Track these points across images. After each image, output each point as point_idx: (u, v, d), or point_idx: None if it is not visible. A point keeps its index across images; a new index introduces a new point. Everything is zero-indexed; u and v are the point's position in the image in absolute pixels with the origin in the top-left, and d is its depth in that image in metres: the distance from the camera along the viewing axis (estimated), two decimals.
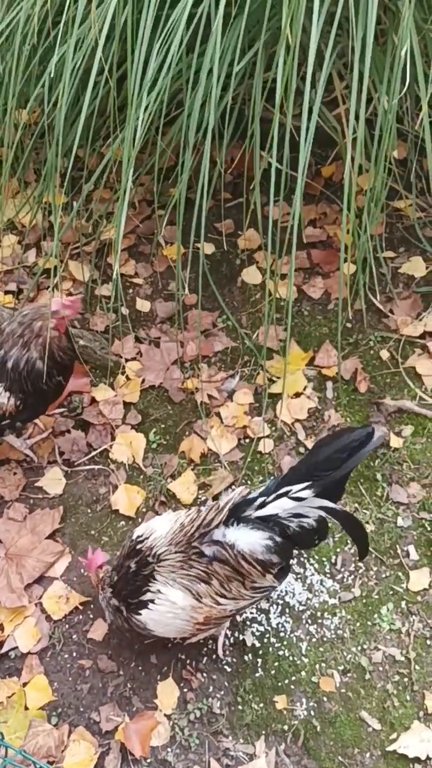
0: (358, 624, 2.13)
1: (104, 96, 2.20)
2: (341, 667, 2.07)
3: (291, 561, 1.90)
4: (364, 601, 2.16)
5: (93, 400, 2.52)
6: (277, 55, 1.86)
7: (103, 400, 2.51)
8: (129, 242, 2.87)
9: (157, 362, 2.59)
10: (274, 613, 2.14)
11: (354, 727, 1.99)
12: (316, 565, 2.22)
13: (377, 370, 2.55)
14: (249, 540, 1.76)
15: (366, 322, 2.62)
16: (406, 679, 2.05)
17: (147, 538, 1.85)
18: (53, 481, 2.38)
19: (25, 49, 2.22)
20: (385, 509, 2.29)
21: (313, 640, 2.11)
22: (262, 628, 2.12)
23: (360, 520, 1.87)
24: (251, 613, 2.13)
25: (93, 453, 2.43)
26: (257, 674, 2.06)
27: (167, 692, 2.03)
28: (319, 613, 2.14)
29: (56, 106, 2.16)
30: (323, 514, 1.74)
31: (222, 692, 2.04)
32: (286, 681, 2.05)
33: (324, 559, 2.23)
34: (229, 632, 2.10)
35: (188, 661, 2.08)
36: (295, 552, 2.23)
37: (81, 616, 2.15)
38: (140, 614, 1.83)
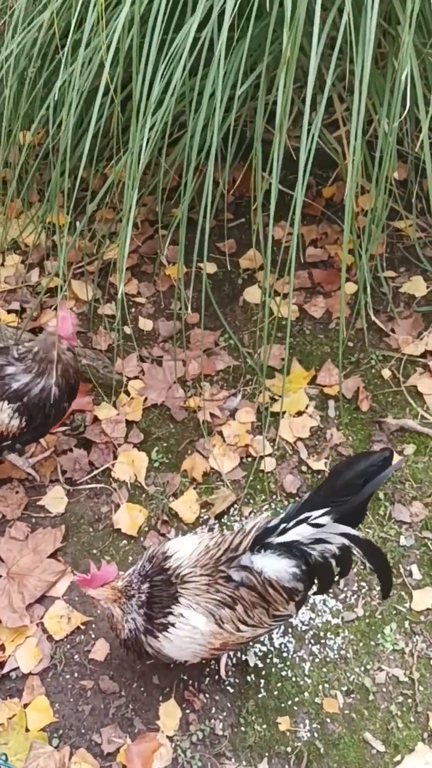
0: (361, 644, 2.11)
1: (108, 117, 2.23)
2: (344, 688, 2.05)
3: (309, 592, 1.86)
4: (367, 621, 2.15)
5: (95, 419, 2.52)
6: (278, 78, 1.89)
7: (105, 419, 2.51)
8: (132, 262, 2.89)
9: (160, 381, 2.60)
10: (277, 633, 2.13)
11: (358, 749, 1.97)
12: None
13: (379, 389, 2.56)
14: (276, 567, 1.75)
15: (367, 341, 2.64)
16: (410, 700, 2.03)
17: (170, 557, 1.82)
18: (55, 500, 2.38)
19: (31, 72, 2.26)
20: (388, 528, 2.29)
21: (316, 660, 2.09)
22: (264, 649, 2.11)
23: (383, 552, 1.82)
24: None
25: (95, 472, 2.43)
26: (260, 695, 2.05)
27: (169, 713, 2.01)
28: (322, 633, 2.13)
29: (60, 127, 2.19)
30: (346, 541, 1.71)
31: (224, 713, 2.02)
32: (289, 702, 2.04)
33: None
34: (231, 653, 2.09)
35: (190, 682, 2.06)
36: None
37: (82, 636, 2.14)
38: (157, 637, 1.80)
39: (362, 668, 2.08)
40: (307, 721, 2.01)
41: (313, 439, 2.47)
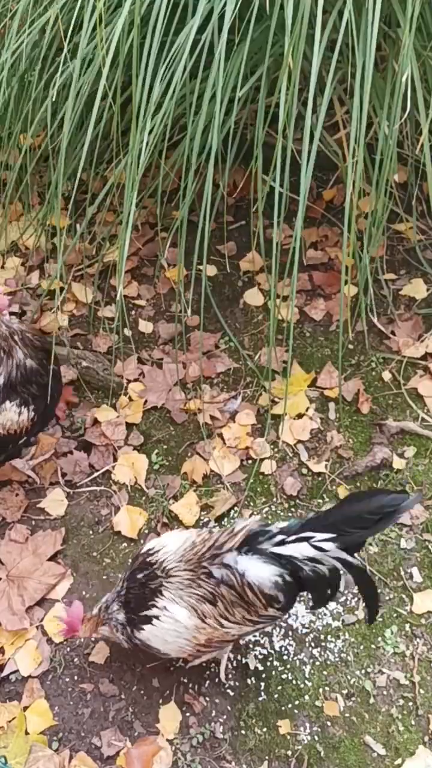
0: (361, 647, 2.11)
1: (108, 120, 2.23)
2: (345, 691, 2.05)
3: (294, 603, 1.87)
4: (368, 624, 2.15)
5: (95, 421, 2.52)
6: (280, 81, 1.89)
7: (105, 421, 2.51)
8: (132, 264, 2.89)
9: (160, 383, 2.60)
10: (277, 636, 2.13)
11: (358, 752, 1.97)
12: None
13: (379, 392, 2.56)
14: (259, 573, 1.75)
15: (368, 343, 2.63)
16: (410, 703, 2.03)
17: (157, 552, 1.84)
18: (55, 503, 2.37)
19: (31, 75, 2.26)
20: (388, 531, 2.28)
21: (317, 663, 2.09)
22: (265, 652, 2.10)
23: (374, 581, 1.81)
24: (254, 636, 2.12)
25: (95, 474, 2.43)
26: (260, 698, 2.04)
27: (169, 717, 2.01)
28: (322, 636, 2.13)
29: (60, 130, 2.19)
30: (338, 565, 1.71)
31: (225, 717, 2.02)
32: (290, 705, 2.03)
33: None
34: (231, 655, 2.08)
35: (190, 685, 2.06)
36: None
37: (82, 639, 2.13)
38: (143, 629, 1.82)
39: (363, 671, 2.07)
40: (307, 725, 2.01)
41: (313, 442, 2.47)
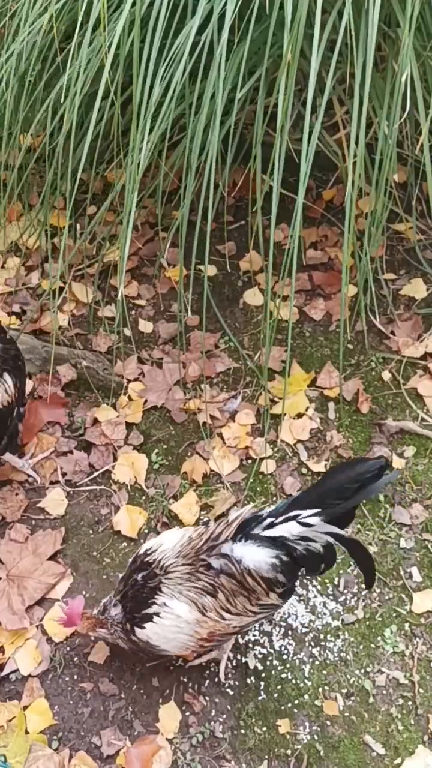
0: (361, 646, 2.11)
1: (108, 120, 2.23)
2: (344, 691, 2.05)
3: (296, 582, 1.88)
4: (368, 623, 2.15)
5: (95, 421, 2.52)
6: (279, 82, 1.89)
7: (105, 421, 2.51)
8: (132, 264, 2.89)
9: (160, 383, 2.60)
10: (277, 635, 2.13)
11: (358, 751, 1.97)
12: (319, 587, 2.21)
13: (379, 391, 2.56)
14: (255, 557, 1.76)
15: (367, 343, 2.64)
16: (410, 703, 2.03)
17: (155, 551, 1.85)
18: (55, 502, 2.38)
19: (31, 75, 2.26)
20: (388, 530, 2.29)
21: (316, 662, 2.09)
22: (264, 651, 2.10)
23: (367, 548, 1.84)
24: (254, 635, 2.12)
25: (95, 474, 2.43)
26: (260, 697, 2.04)
27: (169, 716, 2.01)
28: (322, 636, 2.13)
29: (60, 130, 2.19)
30: (331, 540, 1.74)
31: (224, 716, 2.02)
32: (289, 704, 2.03)
33: (327, 580, 2.22)
34: (231, 655, 2.08)
35: (190, 685, 2.06)
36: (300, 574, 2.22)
37: (82, 639, 2.14)
38: (144, 628, 1.82)
39: (362, 671, 2.08)
40: (307, 724, 2.01)
41: (313, 441, 2.47)
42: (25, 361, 2.35)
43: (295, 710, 2.03)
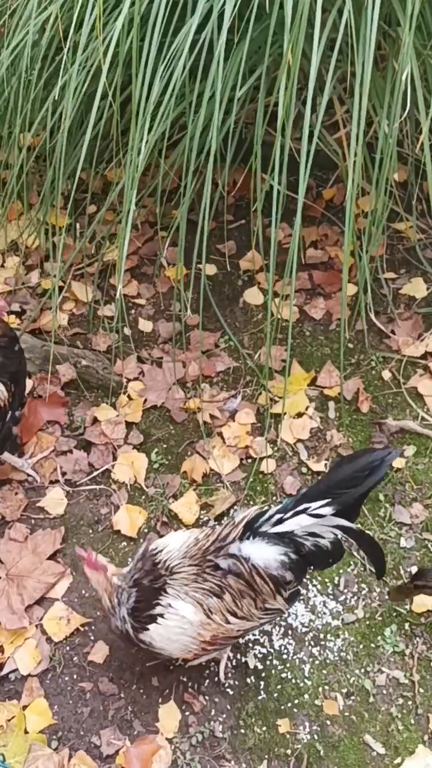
0: (361, 646, 2.11)
1: (108, 119, 2.23)
2: (345, 690, 2.05)
3: (302, 582, 1.88)
4: (368, 622, 2.15)
5: (95, 420, 2.52)
6: (279, 81, 1.89)
7: (105, 420, 2.51)
8: (131, 263, 2.89)
9: (159, 382, 2.60)
10: (277, 635, 2.13)
11: (358, 751, 1.97)
12: (319, 587, 2.20)
13: (379, 391, 2.56)
14: (264, 555, 1.75)
15: (368, 342, 2.63)
16: (410, 702, 2.03)
17: (161, 551, 1.84)
18: (55, 502, 2.37)
19: (30, 74, 2.26)
20: (388, 530, 2.28)
21: (316, 662, 2.09)
22: (264, 650, 2.10)
23: (374, 538, 1.85)
24: (253, 634, 2.12)
25: (95, 473, 2.43)
26: (260, 697, 2.04)
27: (169, 715, 2.01)
28: (322, 635, 2.13)
29: (60, 129, 2.19)
30: (339, 534, 1.74)
31: (224, 715, 2.02)
32: (289, 704, 2.03)
33: (327, 580, 2.21)
34: (231, 654, 2.08)
35: (190, 684, 2.06)
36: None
37: (82, 638, 2.14)
38: (148, 629, 1.81)
39: (362, 670, 2.07)
40: (307, 724, 2.01)
41: (313, 441, 2.47)
42: (26, 362, 2.35)
43: (295, 710, 2.02)
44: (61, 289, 2.69)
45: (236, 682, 2.06)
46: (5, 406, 2.21)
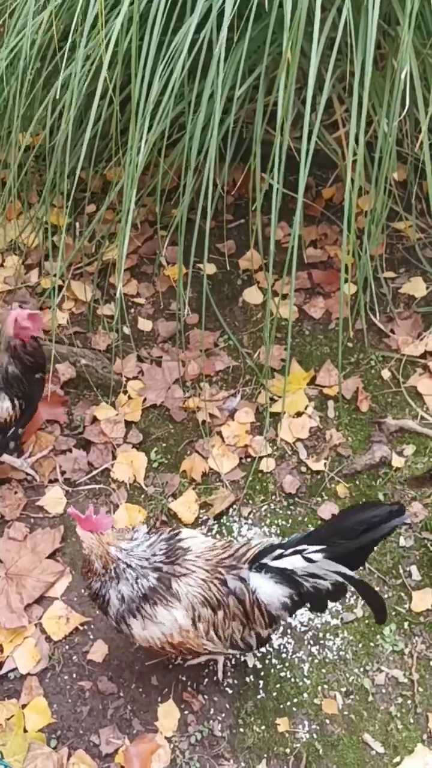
0: (360, 645, 2.11)
1: (107, 119, 2.23)
2: (344, 689, 2.05)
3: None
4: (367, 622, 2.15)
5: (94, 419, 2.52)
6: (279, 80, 1.89)
7: (104, 419, 2.51)
8: (131, 262, 2.89)
9: (159, 381, 2.60)
10: (276, 634, 2.13)
11: (357, 750, 1.97)
12: None
13: (378, 390, 2.56)
14: (269, 591, 1.75)
15: (367, 341, 2.63)
16: (409, 701, 2.03)
17: (185, 539, 1.82)
18: (54, 501, 2.38)
19: (30, 73, 2.26)
20: None
21: (315, 661, 2.09)
22: (263, 649, 2.10)
23: (373, 588, 1.81)
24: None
25: (94, 472, 2.43)
26: (259, 696, 2.04)
27: (168, 714, 2.01)
28: (321, 634, 2.13)
29: (59, 128, 2.19)
30: (340, 579, 1.72)
31: (223, 714, 2.02)
32: (288, 703, 2.03)
33: None
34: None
35: (189, 683, 2.06)
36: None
37: (81, 637, 2.14)
38: (138, 613, 1.77)
39: (361, 669, 2.07)
40: (306, 722, 2.01)
41: (312, 440, 2.47)
42: (43, 391, 2.38)
43: (294, 709, 2.02)
44: (60, 288, 2.69)
45: (235, 681, 2.06)
46: (9, 421, 2.24)
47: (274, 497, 2.36)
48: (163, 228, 2.71)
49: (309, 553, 1.70)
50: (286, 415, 2.49)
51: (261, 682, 2.06)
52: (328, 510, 2.31)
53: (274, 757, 1.96)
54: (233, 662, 2.08)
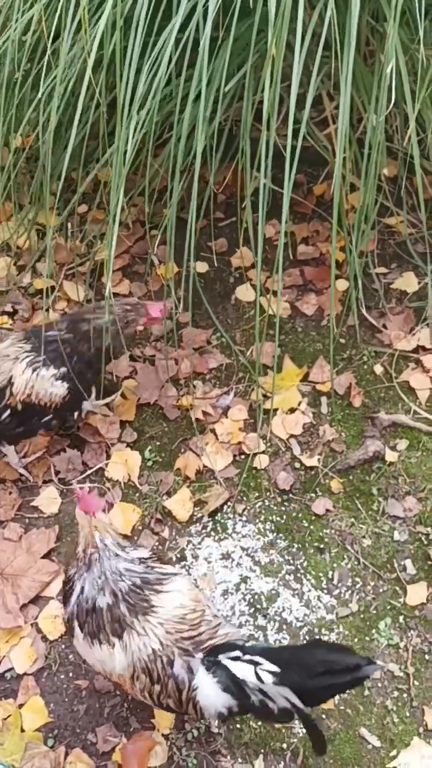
0: (356, 639, 2.11)
1: (96, 119, 2.23)
2: None
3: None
4: (362, 616, 2.15)
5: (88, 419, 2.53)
6: (264, 75, 1.89)
7: (98, 419, 2.51)
8: (123, 262, 2.89)
9: (152, 380, 2.61)
10: (272, 630, 2.13)
11: (353, 744, 1.97)
12: (313, 581, 2.21)
13: (371, 385, 2.56)
14: (210, 695, 1.65)
15: (359, 337, 2.64)
16: (405, 695, 2.03)
17: (164, 586, 1.74)
18: (49, 500, 2.38)
19: (17, 75, 2.26)
20: (382, 523, 2.29)
21: None
22: None
23: (319, 728, 1.64)
24: (248, 630, 2.12)
25: (89, 471, 2.44)
26: None
27: (164, 712, 2.01)
28: (316, 629, 2.13)
29: (48, 130, 2.19)
30: (289, 706, 1.57)
31: None
32: None
33: (321, 574, 2.22)
34: None
35: None
36: (292, 568, 2.23)
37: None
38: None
39: None
40: None
41: (305, 436, 2.48)
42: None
43: None
44: (53, 288, 2.69)
45: None
46: (49, 406, 2.27)
47: (268, 494, 2.37)
48: (154, 228, 2.71)
49: (262, 670, 1.58)
50: (279, 411, 2.49)
51: None
52: (321, 505, 2.31)
53: (271, 753, 1.97)
54: None
